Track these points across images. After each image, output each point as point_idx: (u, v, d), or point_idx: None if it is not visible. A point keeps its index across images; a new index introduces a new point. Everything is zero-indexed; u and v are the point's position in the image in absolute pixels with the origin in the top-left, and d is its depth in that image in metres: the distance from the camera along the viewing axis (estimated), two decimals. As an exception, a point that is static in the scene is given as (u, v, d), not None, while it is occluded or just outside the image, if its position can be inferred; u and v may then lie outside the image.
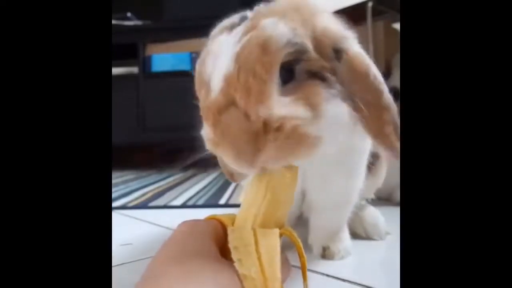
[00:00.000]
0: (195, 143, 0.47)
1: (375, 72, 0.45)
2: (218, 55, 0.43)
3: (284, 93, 0.41)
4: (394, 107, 0.46)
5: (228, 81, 0.40)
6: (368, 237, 0.75)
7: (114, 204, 1.23)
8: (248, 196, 0.45)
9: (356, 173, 0.58)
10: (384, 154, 0.47)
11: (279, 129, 0.39)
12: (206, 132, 0.43)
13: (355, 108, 0.44)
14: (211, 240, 0.42)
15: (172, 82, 2.24)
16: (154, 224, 0.96)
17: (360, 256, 0.66)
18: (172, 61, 2.34)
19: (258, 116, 0.39)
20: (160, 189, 1.55)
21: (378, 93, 0.45)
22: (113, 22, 2.23)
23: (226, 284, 0.37)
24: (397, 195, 1.05)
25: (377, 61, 0.47)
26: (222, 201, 1.25)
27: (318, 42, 0.43)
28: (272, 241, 0.40)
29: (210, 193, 1.40)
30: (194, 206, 1.20)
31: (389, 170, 0.77)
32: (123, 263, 0.65)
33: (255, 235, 0.40)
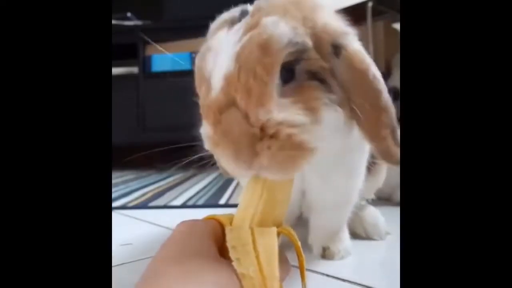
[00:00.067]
0: (195, 143, 0.47)
1: (375, 71, 0.45)
2: (219, 52, 0.42)
3: (284, 93, 0.41)
4: (392, 109, 0.46)
5: (229, 81, 0.40)
6: (368, 237, 0.75)
7: (114, 204, 1.23)
8: (246, 195, 0.45)
9: (356, 173, 0.58)
10: (380, 157, 0.47)
11: (273, 136, 0.39)
12: (206, 130, 0.43)
13: (352, 113, 0.44)
14: (210, 239, 0.42)
15: (172, 82, 2.23)
16: (154, 224, 0.96)
17: (360, 256, 0.66)
18: (172, 61, 2.34)
19: (257, 119, 0.39)
20: (160, 189, 1.55)
21: (376, 92, 0.45)
22: (113, 22, 2.23)
23: (225, 283, 0.37)
24: (397, 195, 1.05)
25: (377, 61, 0.46)
26: (222, 201, 1.25)
27: (318, 39, 0.43)
28: (270, 240, 0.40)
29: (210, 193, 1.40)
30: (194, 206, 1.20)
31: (389, 170, 0.77)
32: (123, 263, 0.65)
33: (252, 234, 0.40)
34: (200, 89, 0.44)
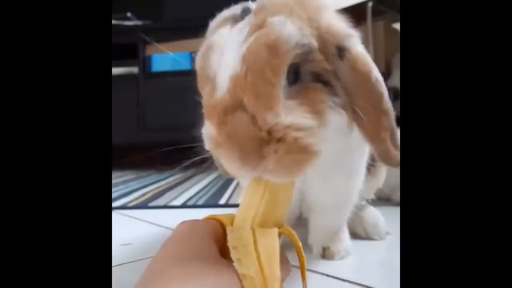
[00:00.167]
0: (196, 144, 0.47)
1: (377, 74, 0.45)
2: (223, 51, 0.41)
3: (289, 95, 0.40)
4: (392, 112, 0.46)
5: (235, 82, 0.39)
6: (368, 237, 0.75)
7: (114, 204, 1.23)
8: (247, 196, 0.45)
9: (356, 173, 0.58)
10: (379, 159, 0.47)
11: (280, 140, 0.38)
12: (209, 131, 0.42)
13: (354, 114, 0.44)
14: (211, 240, 0.41)
15: (172, 82, 2.24)
16: (154, 224, 0.96)
17: (360, 256, 0.66)
18: (172, 61, 2.34)
19: (265, 122, 0.38)
20: (160, 189, 1.55)
21: (378, 95, 0.45)
22: (113, 22, 2.23)
23: (225, 283, 0.37)
24: (397, 195, 1.05)
25: (377, 61, 0.46)
26: (222, 201, 1.25)
27: (322, 40, 0.42)
28: (271, 241, 0.40)
29: (210, 193, 1.40)
30: (194, 206, 1.21)
31: (389, 171, 0.77)
32: (123, 263, 0.66)
33: (254, 234, 0.40)
34: (204, 89, 0.44)
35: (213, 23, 0.47)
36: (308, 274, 0.45)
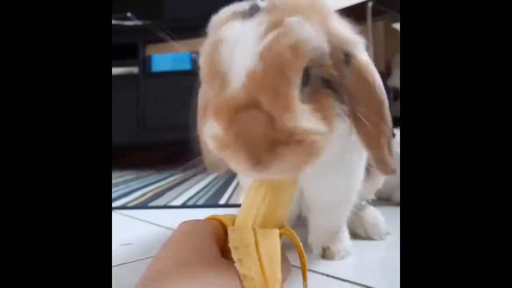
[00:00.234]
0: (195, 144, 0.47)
1: (379, 82, 0.46)
2: (236, 45, 0.39)
3: (302, 98, 0.40)
4: (390, 119, 0.47)
5: (252, 79, 0.37)
6: (368, 237, 0.75)
7: (114, 204, 1.23)
8: (248, 196, 0.45)
9: (355, 172, 0.58)
10: (376, 166, 0.48)
11: (300, 142, 0.38)
12: (215, 130, 0.40)
13: (355, 120, 0.45)
14: (212, 240, 0.41)
15: (172, 82, 2.24)
16: (154, 224, 0.96)
17: (360, 256, 0.66)
18: (172, 61, 2.34)
19: (284, 124, 0.37)
20: (160, 189, 1.55)
21: (380, 103, 0.46)
22: (113, 22, 2.23)
23: (226, 284, 0.37)
24: (397, 195, 1.05)
25: (377, 61, 0.47)
26: (222, 201, 1.25)
27: (333, 45, 0.42)
28: (272, 242, 0.40)
29: (210, 193, 1.40)
30: (194, 206, 1.20)
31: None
32: (123, 263, 0.65)
33: (255, 235, 0.40)
34: (211, 84, 0.41)
35: (217, 18, 0.45)
36: (308, 274, 0.45)
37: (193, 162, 0.53)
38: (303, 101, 0.40)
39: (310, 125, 0.39)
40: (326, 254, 0.64)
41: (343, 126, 0.45)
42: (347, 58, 0.44)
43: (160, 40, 2.28)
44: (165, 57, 2.36)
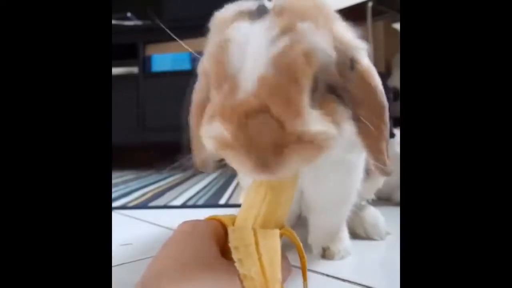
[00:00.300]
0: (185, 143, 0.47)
1: (381, 87, 0.46)
2: (245, 47, 0.39)
3: (311, 104, 0.39)
4: (389, 124, 0.48)
5: (263, 85, 0.37)
6: (368, 237, 0.75)
7: (114, 204, 1.23)
8: (249, 196, 0.45)
9: (354, 172, 0.58)
10: (375, 169, 0.48)
11: (308, 143, 0.38)
12: (218, 131, 0.39)
13: (359, 123, 0.45)
14: (212, 240, 0.41)
15: (172, 82, 2.24)
16: (154, 224, 0.96)
17: (360, 256, 0.66)
18: (172, 61, 2.34)
19: (294, 129, 0.37)
20: (160, 189, 1.55)
21: (382, 108, 0.46)
22: (113, 22, 2.23)
23: (226, 284, 0.37)
24: (397, 195, 1.05)
25: (377, 61, 0.47)
26: (222, 201, 1.25)
27: (338, 51, 0.42)
28: (272, 242, 0.40)
29: (210, 193, 1.40)
30: (194, 206, 1.20)
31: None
32: (123, 263, 0.65)
33: (255, 235, 0.40)
34: (219, 86, 0.40)
35: (221, 15, 0.44)
36: (308, 274, 0.45)
37: (180, 162, 0.53)
38: (313, 106, 0.39)
39: (320, 128, 0.39)
40: (326, 254, 0.64)
41: (349, 133, 0.45)
42: (352, 63, 0.44)
43: (160, 40, 2.29)
44: (165, 57, 2.36)
